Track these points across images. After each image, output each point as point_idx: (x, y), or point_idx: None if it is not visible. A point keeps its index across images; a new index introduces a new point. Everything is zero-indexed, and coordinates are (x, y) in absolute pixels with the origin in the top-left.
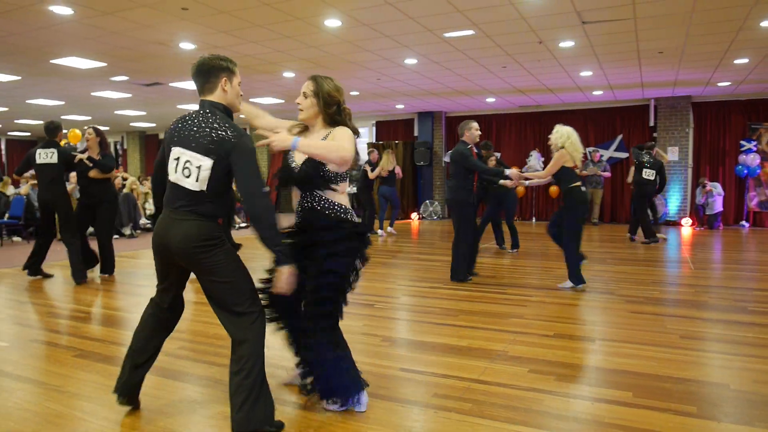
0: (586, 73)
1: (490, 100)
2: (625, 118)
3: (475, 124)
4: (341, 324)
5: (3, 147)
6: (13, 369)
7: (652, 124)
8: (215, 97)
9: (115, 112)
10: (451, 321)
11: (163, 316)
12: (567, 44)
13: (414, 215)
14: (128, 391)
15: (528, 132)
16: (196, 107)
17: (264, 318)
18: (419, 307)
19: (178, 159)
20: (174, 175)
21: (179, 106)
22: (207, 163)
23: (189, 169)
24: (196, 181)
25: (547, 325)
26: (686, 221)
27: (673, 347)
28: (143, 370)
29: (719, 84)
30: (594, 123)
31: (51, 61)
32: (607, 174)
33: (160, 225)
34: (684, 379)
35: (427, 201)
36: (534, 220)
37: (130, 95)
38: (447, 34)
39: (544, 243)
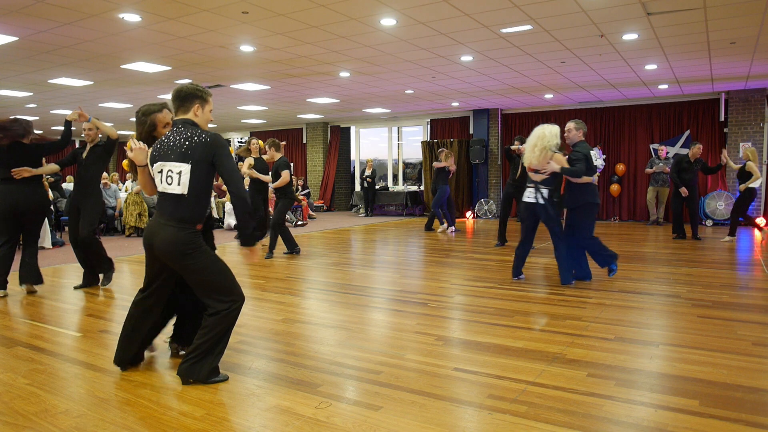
0: (651, 67)
1: (549, 96)
2: (692, 112)
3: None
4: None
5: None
6: (86, 358)
7: (722, 118)
8: (189, 116)
9: None
10: (506, 321)
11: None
12: (630, 37)
13: (469, 214)
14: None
15: (588, 129)
16: (255, 108)
17: (240, 304)
18: (473, 306)
19: (161, 171)
20: (160, 186)
21: (239, 108)
22: (186, 167)
23: (171, 177)
24: (178, 185)
25: (606, 327)
26: (761, 221)
27: (744, 354)
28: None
29: None
30: (659, 118)
31: (121, 66)
32: None
33: (149, 228)
34: (757, 389)
35: (482, 199)
36: None
37: None
38: (504, 30)
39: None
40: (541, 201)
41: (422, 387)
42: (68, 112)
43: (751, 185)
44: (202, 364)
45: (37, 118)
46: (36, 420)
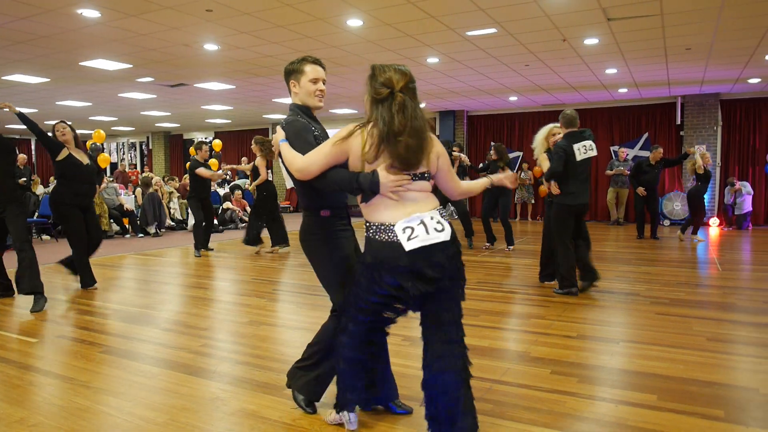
0: (611, 71)
1: (513, 98)
2: (650, 115)
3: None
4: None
5: (33, 147)
6: (42, 364)
7: (678, 122)
8: (292, 99)
9: (141, 112)
10: (472, 321)
11: None
12: (591, 42)
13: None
14: None
15: None
16: (219, 108)
17: (336, 318)
18: None
19: None
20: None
21: (204, 107)
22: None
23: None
24: (289, 175)
25: (569, 326)
26: (714, 221)
27: (699, 350)
28: None
29: (749, 81)
30: (619, 121)
31: (79, 63)
32: None
33: None
34: (711, 383)
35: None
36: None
37: (155, 96)
38: (469, 33)
39: None
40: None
41: None
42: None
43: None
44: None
45: None
46: None
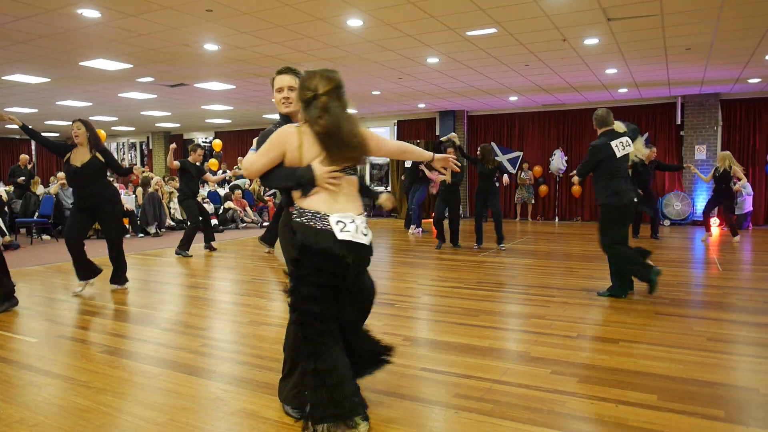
0: (611, 71)
1: (513, 98)
2: (651, 115)
3: None
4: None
5: (33, 148)
6: (42, 364)
7: (679, 122)
8: None
9: (141, 112)
10: (472, 321)
11: None
12: (592, 42)
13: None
14: None
15: (551, 131)
16: (219, 108)
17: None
18: (440, 306)
19: None
20: None
21: (204, 107)
22: None
23: None
24: None
25: (569, 326)
26: (714, 221)
27: (699, 350)
28: None
29: (750, 81)
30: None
31: (79, 63)
32: None
33: None
34: (711, 383)
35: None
36: (557, 219)
37: (155, 96)
38: (469, 33)
39: (566, 242)
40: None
41: (389, 387)
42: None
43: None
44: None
45: None
46: None
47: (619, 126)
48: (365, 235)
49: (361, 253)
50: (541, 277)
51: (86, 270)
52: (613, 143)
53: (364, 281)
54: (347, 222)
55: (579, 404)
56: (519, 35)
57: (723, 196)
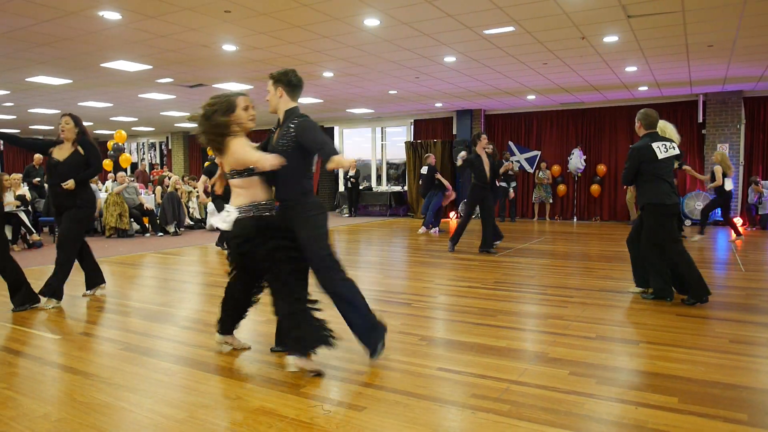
0: (631, 69)
1: (531, 97)
2: (671, 114)
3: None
4: None
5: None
6: (65, 361)
7: (700, 120)
8: None
9: (161, 113)
10: (489, 321)
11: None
12: (611, 39)
13: (452, 215)
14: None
15: (570, 130)
16: None
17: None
18: (457, 306)
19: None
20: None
21: None
22: None
23: None
24: None
25: (587, 326)
26: (737, 221)
27: (722, 352)
28: None
29: None
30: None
31: (100, 65)
32: None
33: None
34: (734, 385)
35: (465, 200)
36: (575, 219)
37: (174, 97)
38: (487, 31)
39: (585, 243)
40: None
41: (406, 387)
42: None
43: (724, 187)
44: None
45: (14, 117)
46: (13, 424)
47: (667, 129)
48: (226, 222)
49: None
50: (558, 278)
51: (93, 276)
52: (655, 145)
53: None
54: (230, 210)
55: (598, 406)
56: (537, 33)
57: (718, 195)
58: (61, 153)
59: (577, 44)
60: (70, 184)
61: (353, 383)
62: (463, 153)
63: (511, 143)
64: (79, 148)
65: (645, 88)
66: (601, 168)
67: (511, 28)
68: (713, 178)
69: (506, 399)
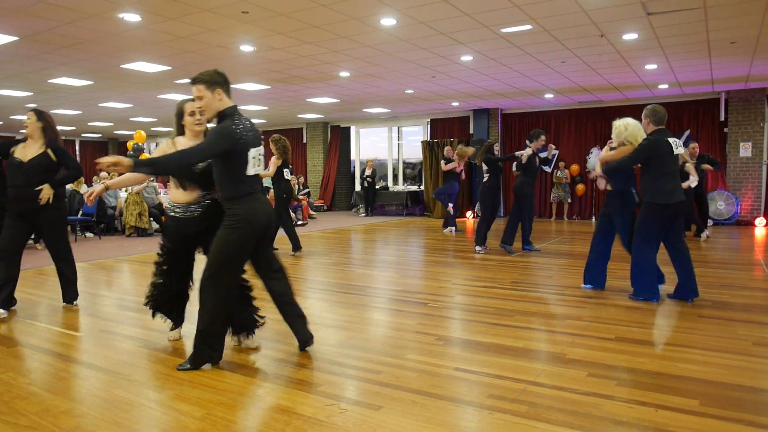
0: (651, 67)
1: (549, 96)
2: (692, 112)
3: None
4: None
5: (77, 147)
6: (86, 358)
7: (722, 118)
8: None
9: None
10: (506, 321)
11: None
12: (630, 37)
13: (469, 214)
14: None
15: (588, 128)
16: (255, 108)
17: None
18: (474, 306)
19: (255, 157)
20: (254, 170)
21: (240, 107)
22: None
23: (260, 160)
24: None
25: (606, 327)
26: (760, 221)
27: (744, 354)
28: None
29: None
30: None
31: (121, 66)
32: None
33: (266, 209)
34: (758, 389)
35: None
36: (594, 219)
37: (192, 97)
38: (504, 30)
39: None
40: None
41: (423, 387)
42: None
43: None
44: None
45: None
46: (36, 419)
47: (629, 126)
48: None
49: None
50: (576, 278)
51: (9, 298)
52: (671, 140)
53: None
54: None
55: (617, 408)
56: (555, 31)
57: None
58: (24, 153)
59: (596, 42)
60: (46, 191)
61: (370, 382)
62: (528, 150)
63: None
64: (50, 152)
65: (665, 86)
66: None
67: (528, 27)
68: None
69: (524, 400)
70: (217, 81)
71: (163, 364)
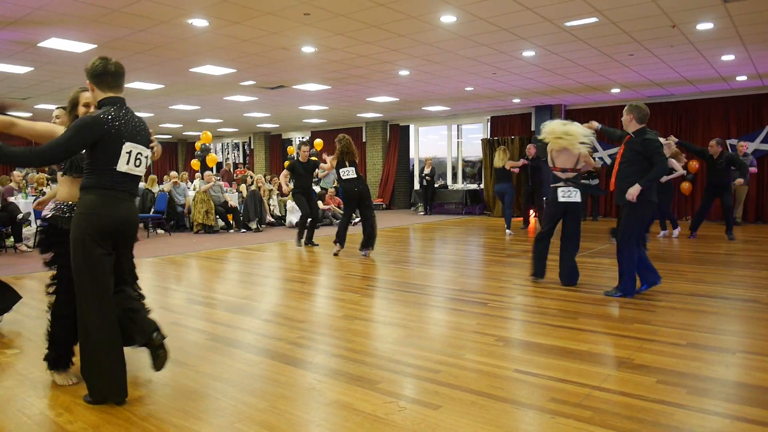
0: (727, 58)
1: (615, 91)
2: None
3: None
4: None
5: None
6: None
7: None
8: (121, 96)
9: (244, 114)
10: (569, 323)
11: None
12: (705, 26)
13: (531, 213)
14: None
15: (658, 124)
16: (315, 108)
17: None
18: (535, 307)
19: (129, 152)
20: (125, 167)
21: (301, 107)
22: (148, 153)
23: (140, 160)
24: (144, 167)
25: (677, 333)
26: None
27: None
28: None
29: None
30: (737, 112)
31: (189, 70)
32: (754, 169)
33: (129, 209)
34: None
35: (545, 198)
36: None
37: (256, 98)
38: (568, 23)
39: (671, 243)
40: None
41: (482, 387)
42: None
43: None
44: None
45: None
46: (114, 405)
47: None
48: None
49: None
50: None
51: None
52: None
53: None
54: None
55: (688, 417)
56: (622, 23)
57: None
58: None
59: (666, 33)
60: None
61: (429, 381)
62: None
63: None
64: None
65: (743, 78)
66: (693, 164)
67: (594, 19)
68: None
69: (588, 405)
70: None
71: (229, 357)
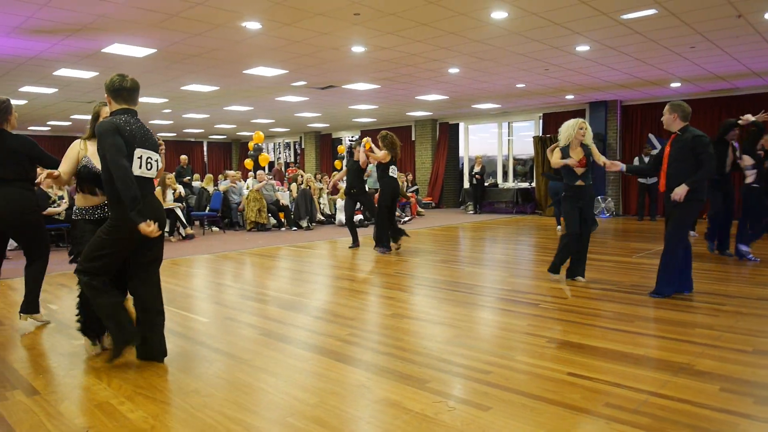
0: None
1: (675, 85)
2: None
3: None
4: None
5: (205, 148)
6: (212, 342)
7: None
8: (135, 108)
9: (295, 114)
10: (624, 327)
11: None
12: None
13: None
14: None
15: (722, 120)
16: (365, 107)
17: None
18: (588, 309)
19: (140, 157)
20: (138, 170)
21: (351, 107)
22: (158, 157)
23: (151, 164)
24: (155, 170)
25: (743, 338)
26: None
27: None
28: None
29: None
30: None
31: (243, 72)
32: None
33: (158, 207)
34: None
35: (599, 197)
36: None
37: (307, 98)
38: (624, 16)
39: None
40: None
41: (533, 390)
42: (198, 116)
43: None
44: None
45: (171, 122)
46: (170, 396)
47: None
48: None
49: None
50: (708, 283)
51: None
52: None
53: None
54: None
55: (756, 428)
56: (683, 14)
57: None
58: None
59: (731, 24)
60: None
61: (478, 382)
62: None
63: (651, 135)
64: None
65: None
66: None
67: (653, 11)
68: None
69: (645, 411)
70: (107, 88)
71: (280, 352)
